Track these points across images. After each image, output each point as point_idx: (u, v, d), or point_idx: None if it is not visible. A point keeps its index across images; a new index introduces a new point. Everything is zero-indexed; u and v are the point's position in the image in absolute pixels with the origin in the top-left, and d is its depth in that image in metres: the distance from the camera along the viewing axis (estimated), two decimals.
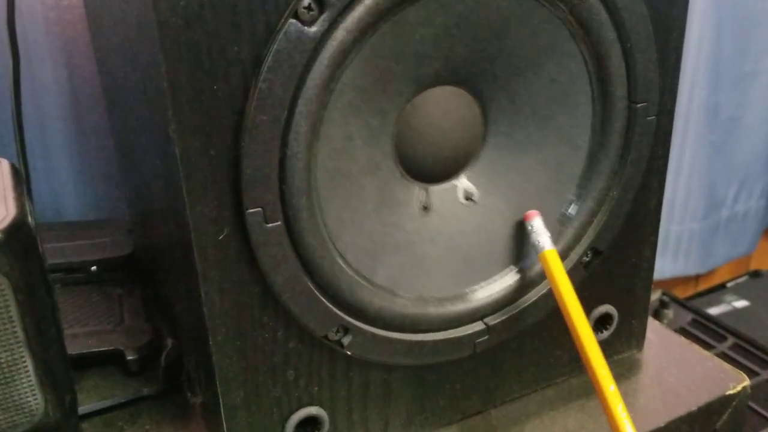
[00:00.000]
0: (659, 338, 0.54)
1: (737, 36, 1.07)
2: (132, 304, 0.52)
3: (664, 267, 1.17)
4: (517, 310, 0.45)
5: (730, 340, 0.94)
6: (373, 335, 0.41)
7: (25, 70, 0.67)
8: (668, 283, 1.21)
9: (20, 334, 0.28)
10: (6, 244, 0.27)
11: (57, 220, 0.71)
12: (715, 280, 1.26)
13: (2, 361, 0.28)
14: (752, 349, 0.92)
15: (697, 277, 1.26)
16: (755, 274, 1.19)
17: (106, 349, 0.47)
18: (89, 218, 0.73)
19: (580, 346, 0.40)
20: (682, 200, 1.14)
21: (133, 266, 0.57)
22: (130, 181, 0.56)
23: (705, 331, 0.98)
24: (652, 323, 0.55)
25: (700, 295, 1.14)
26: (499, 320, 0.44)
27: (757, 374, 0.87)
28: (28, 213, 0.30)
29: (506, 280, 0.44)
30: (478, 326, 0.44)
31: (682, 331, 0.99)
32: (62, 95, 0.69)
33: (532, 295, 0.45)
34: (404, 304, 0.41)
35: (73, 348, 0.46)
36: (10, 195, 0.29)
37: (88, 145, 0.71)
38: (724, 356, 0.91)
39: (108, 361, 0.48)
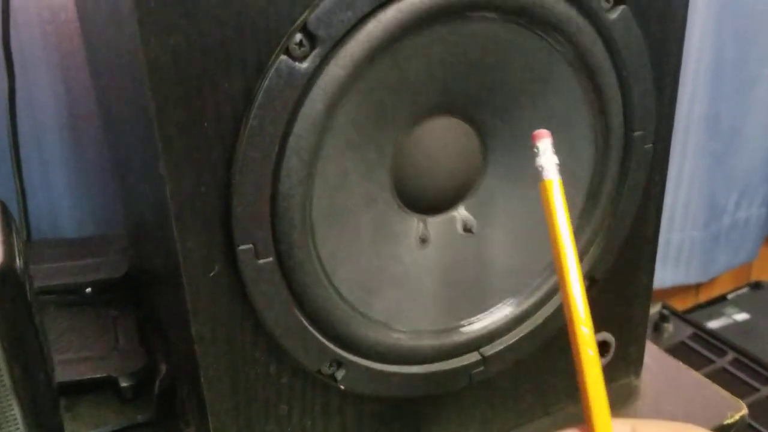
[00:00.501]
0: (657, 364, 0.54)
1: (738, 44, 1.06)
2: (126, 327, 0.52)
3: (665, 276, 1.16)
4: (514, 340, 0.44)
5: (731, 355, 0.94)
6: (367, 369, 0.40)
7: (22, 82, 0.66)
8: (669, 293, 1.20)
9: (7, 381, 0.28)
10: None
11: (53, 235, 0.70)
12: (716, 289, 1.25)
13: None
14: (752, 365, 0.91)
15: (698, 286, 1.26)
16: (756, 286, 1.18)
17: (99, 376, 0.46)
18: (86, 231, 0.72)
19: (566, 295, 0.34)
20: (682, 209, 1.13)
21: (129, 286, 0.57)
22: (125, 200, 0.56)
23: (705, 345, 0.98)
24: (650, 348, 0.54)
25: (700, 307, 1.14)
26: (495, 351, 0.44)
27: (758, 390, 0.86)
28: (17, 256, 0.29)
29: (503, 310, 0.44)
30: (474, 357, 0.44)
31: (682, 345, 0.99)
32: (59, 108, 0.69)
33: (529, 325, 0.45)
34: (399, 338, 0.41)
35: (66, 375, 0.46)
36: None
37: (85, 159, 0.71)
38: (724, 371, 0.91)
39: (101, 388, 0.48)
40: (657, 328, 1.02)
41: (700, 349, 0.97)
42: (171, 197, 0.32)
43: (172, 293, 0.39)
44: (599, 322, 0.48)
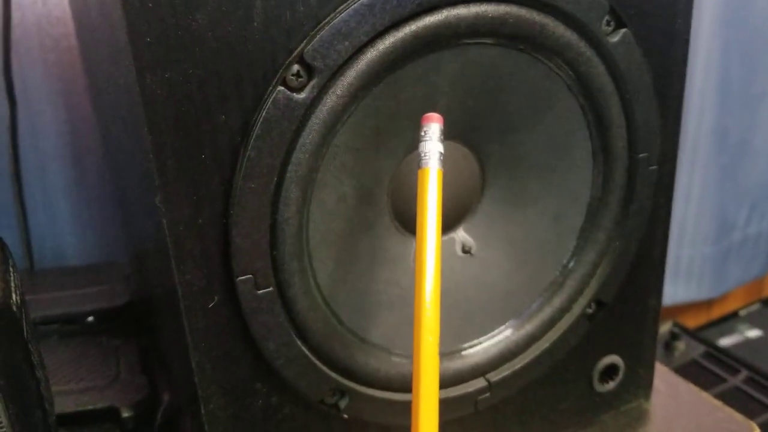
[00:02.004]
0: (667, 386, 0.53)
1: (745, 58, 1.06)
2: (128, 356, 0.51)
3: (677, 292, 1.15)
4: (520, 366, 0.44)
5: (744, 373, 0.92)
6: (370, 397, 0.40)
7: (24, 112, 0.67)
8: (680, 309, 1.19)
9: (4, 420, 0.28)
10: None
11: (56, 263, 0.70)
12: (729, 304, 1.24)
13: None
14: (766, 383, 0.89)
15: (710, 302, 1.25)
16: None
17: (101, 406, 0.46)
18: (90, 259, 0.72)
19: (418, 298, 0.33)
20: (692, 224, 1.12)
21: (131, 315, 0.56)
22: (126, 228, 0.56)
23: (717, 363, 0.96)
24: (660, 370, 0.53)
25: (711, 324, 1.12)
26: (501, 376, 0.43)
27: None
28: (13, 291, 0.29)
29: (507, 334, 0.43)
30: (479, 383, 0.43)
31: (694, 364, 0.97)
32: (61, 137, 0.69)
33: (535, 349, 0.44)
34: (400, 363, 0.40)
35: (67, 406, 0.46)
36: None
37: (87, 187, 0.71)
38: (736, 390, 0.90)
39: (103, 418, 0.47)
40: (668, 347, 1.00)
41: (712, 368, 0.95)
42: (168, 229, 0.32)
43: (171, 324, 0.38)
44: (608, 346, 0.47)
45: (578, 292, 0.44)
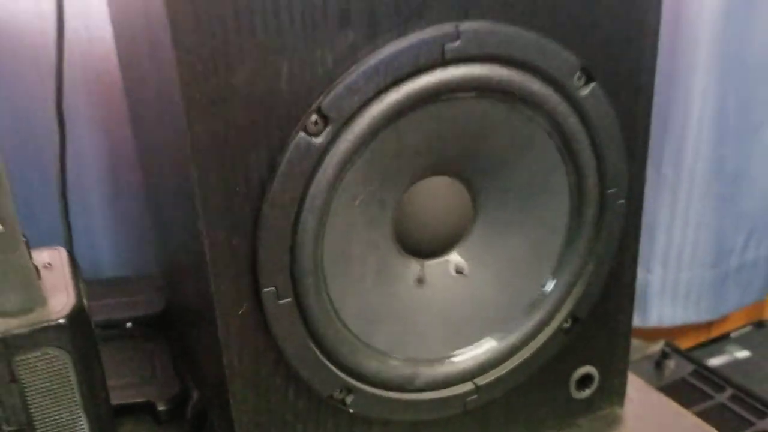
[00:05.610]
0: (639, 395, 0.59)
1: (740, 91, 1.09)
2: (162, 358, 0.58)
3: (675, 314, 1.18)
4: (505, 371, 0.50)
5: (729, 391, 0.98)
6: (373, 395, 0.46)
7: (69, 139, 0.74)
8: (681, 330, 1.22)
9: (77, 398, 0.35)
10: (69, 327, 0.34)
11: (95, 277, 0.78)
12: (729, 327, 1.27)
13: (64, 420, 0.35)
14: (750, 400, 0.95)
15: (709, 325, 1.28)
16: (760, 325, 1.22)
17: (140, 400, 0.53)
18: (125, 273, 0.79)
19: None
20: (690, 249, 1.14)
21: (165, 322, 0.63)
22: (161, 244, 0.63)
23: (705, 381, 1.02)
24: (635, 381, 0.59)
25: (702, 345, 1.17)
26: (487, 381, 0.50)
27: (753, 424, 0.90)
28: (84, 297, 0.36)
29: (490, 342, 0.50)
30: (468, 386, 0.49)
31: (683, 382, 1.03)
32: (101, 159, 0.77)
33: (518, 358, 0.51)
34: (398, 366, 0.47)
35: (112, 399, 0.53)
36: (70, 283, 0.36)
37: (124, 206, 0.78)
38: (722, 407, 0.95)
39: (141, 411, 0.54)
40: (659, 365, 1.06)
41: (699, 385, 1.00)
42: (208, 249, 0.39)
43: (205, 328, 0.45)
44: (583, 357, 0.54)
45: (556, 309, 0.51)
